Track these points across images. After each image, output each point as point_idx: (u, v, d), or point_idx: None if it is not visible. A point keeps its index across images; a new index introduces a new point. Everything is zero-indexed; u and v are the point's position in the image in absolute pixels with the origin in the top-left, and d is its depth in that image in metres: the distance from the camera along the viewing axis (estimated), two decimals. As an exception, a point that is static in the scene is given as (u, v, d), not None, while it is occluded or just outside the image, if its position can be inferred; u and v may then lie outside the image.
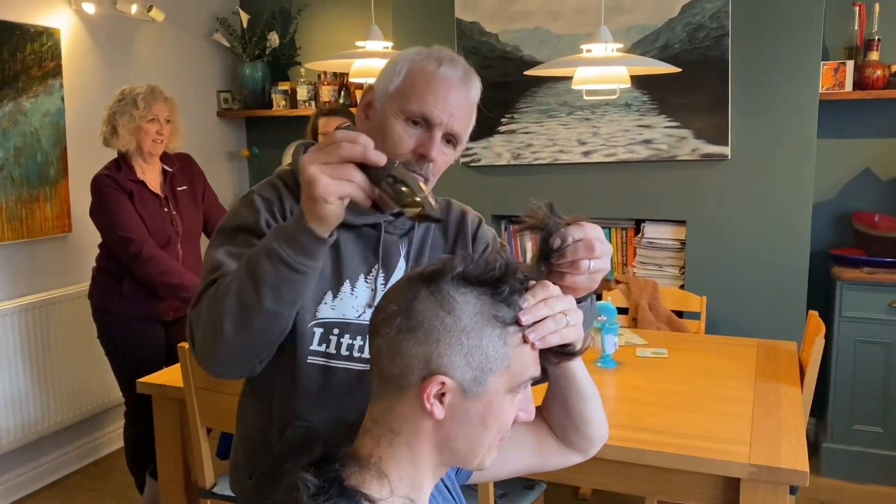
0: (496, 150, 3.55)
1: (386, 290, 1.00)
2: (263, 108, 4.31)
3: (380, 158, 0.95)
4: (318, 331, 1.19)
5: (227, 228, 1.19)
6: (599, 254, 0.99)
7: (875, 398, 3.12)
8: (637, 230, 3.54)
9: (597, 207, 3.49)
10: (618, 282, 3.30)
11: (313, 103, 4.17)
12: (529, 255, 1.23)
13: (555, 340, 0.94)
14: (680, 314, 3.19)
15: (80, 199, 3.16)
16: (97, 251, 2.88)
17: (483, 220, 1.40)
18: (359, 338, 1.21)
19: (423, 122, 1.14)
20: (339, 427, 1.09)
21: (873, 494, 3.05)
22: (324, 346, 1.19)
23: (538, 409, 1.15)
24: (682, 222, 3.39)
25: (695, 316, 3.13)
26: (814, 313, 2.43)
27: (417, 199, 0.97)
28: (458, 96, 1.15)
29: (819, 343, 2.10)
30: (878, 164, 3.39)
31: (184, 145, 3.00)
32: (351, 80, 2.18)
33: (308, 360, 1.19)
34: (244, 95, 4.32)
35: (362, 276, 1.23)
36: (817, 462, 3.17)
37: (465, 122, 1.18)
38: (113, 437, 3.58)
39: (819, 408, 3.25)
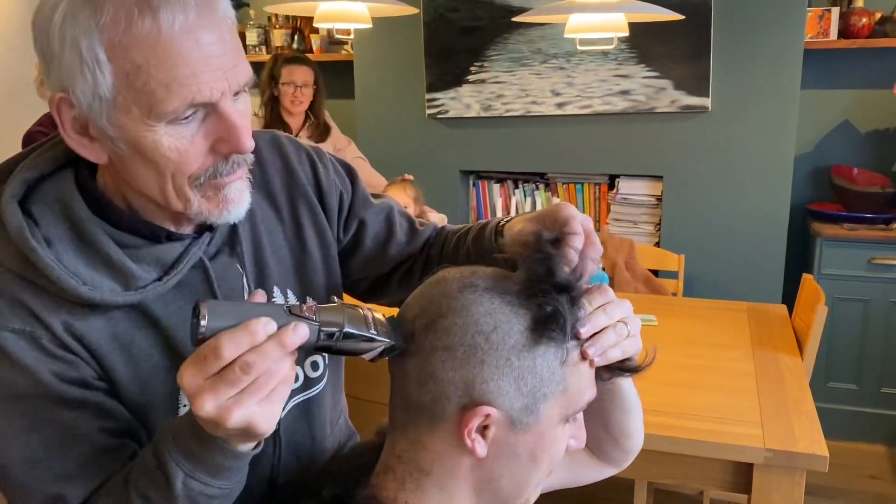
0: (465, 101, 3.33)
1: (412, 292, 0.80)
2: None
3: (303, 334, 0.66)
4: None
5: None
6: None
7: (851, 356, 3.08)
8: (611, 186, 3.40)
9: (570, 162, 3.33)
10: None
11: (264, 48, 3.88)
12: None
13: (615, 355, 0.78)
14: (656, 273, 3.08)
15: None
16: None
17: (314, 151, 1.02)
18: None
19: (199, 108, 0.74)
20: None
21: (848, 451, 3.04)
22: None
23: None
24: (658, 177, 3.26)
25: (672, 275, 3.02)
26: (808, 277, 2.33)
27: (377, 344, 0.72)
28: (212, 38, 0.72)
29: (822, 311, 2.00)
30: (858, 116, 3.29)
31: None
32: (316, 24, 1.95)
33: None
34: (188, 40, 3.99)
35: None
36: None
37: (241, 57, 0.76)
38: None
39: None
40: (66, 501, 0.77)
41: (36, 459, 0.76)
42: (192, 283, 0.85)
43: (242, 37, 3.90)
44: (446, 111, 3.37)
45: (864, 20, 3.01)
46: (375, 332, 0.71)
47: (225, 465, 0.70)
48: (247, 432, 0.66)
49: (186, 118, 0.73)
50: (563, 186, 3.45)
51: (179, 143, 0.74)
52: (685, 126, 3.12)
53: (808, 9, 3.00)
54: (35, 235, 0.76)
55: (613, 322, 0.77)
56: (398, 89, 3.45)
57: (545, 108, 3.24)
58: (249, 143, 0.76)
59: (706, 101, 3.04)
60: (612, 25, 1.91)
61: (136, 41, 0.69)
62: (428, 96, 3.37)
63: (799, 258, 3.31)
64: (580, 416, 0.81)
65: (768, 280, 3.10)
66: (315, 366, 1.01)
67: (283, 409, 0.76)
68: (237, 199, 0.80)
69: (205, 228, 0.87)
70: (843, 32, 3.05)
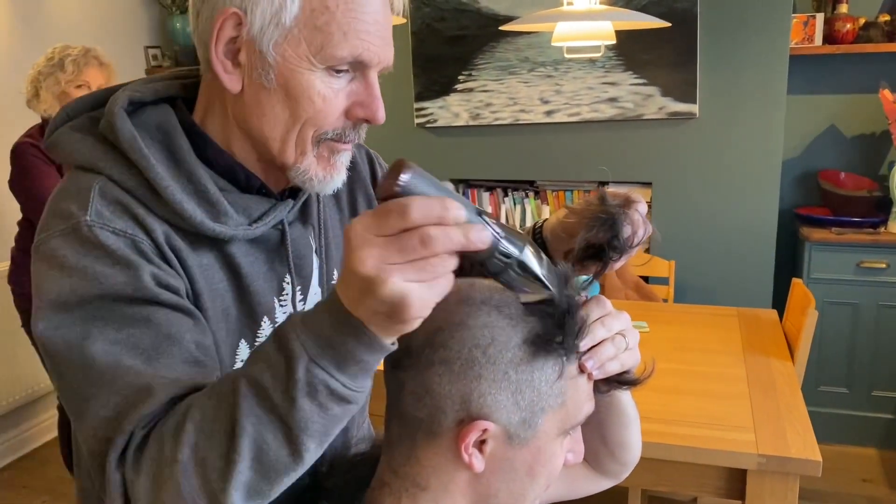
0: (453, 110, 3.34)
1: None
2: (196, 64, 3.98)
3: (486, 239, 0.60)
4: None
5: (83, 299, 0.71)
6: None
7: (841, 359, 3.10)
8: (601, 192, 3.40)
9: (560, 170, 3.33)
10: (583, 247, 3.17)
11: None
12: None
13: (614, 368, 0.77)
14: (646, 279, 3.08)
15: (-4, 170, 2.84)
16: (17, 228, 2.59)
17: (373, 151, 1.07)
18: None
19: (351, 67, 0.77)
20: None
21: (840, 455, 3.05)
22: None
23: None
24: (647, 184, 3.27)
25: (662, 281, 3.03)
26: (798, 281, 2.34)
27: (542, 289, 0.66)
28: (385, 10, 0.77)
29: (812, 315, 2.01)
30: (844, 120, 3.32)
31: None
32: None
33: None
34: (175, 52, 3.99)
35: (275, 299, 0.86)
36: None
37: (391, 41, 0.80)
38: (45, 427, 3.30)
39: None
40: (153, 393, 0.68)
41: (124, 355, 0.70)
42: (269, 240, 0.85)
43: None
44: (435, 120, 3.37)
45: (849, 26, 3.04)
46: (546, 276, 0.66)
47: (355, 356, 0.62)
48: (395, 310, 0.58)
49: (340, 73, 0.76)
50: (552, 194, 3.46)
51: (328, 91, 0.76)
52: (673, 132, 3.14)
53: (793, 15, 3.02)
54: (147, 145, 0.77)
55: (612, 334, 0.77)
56: (386, 99, 3.38)
57: (534, 117, 3.24)
58: (383, 115, 0.79)
59: (694, 108, 3.05)
60: (598, 34, 1.92)
61: None
62: (416, 106, 3.38)
63: (788, 263, 3.33)
64: (578, 429, 0.81)
65: (758, 285, 3.12)
66: None
67: None
68: (340, 169, 0.82)
69: (283, 197, 0.88)
70: (828, 38, 3.07)
